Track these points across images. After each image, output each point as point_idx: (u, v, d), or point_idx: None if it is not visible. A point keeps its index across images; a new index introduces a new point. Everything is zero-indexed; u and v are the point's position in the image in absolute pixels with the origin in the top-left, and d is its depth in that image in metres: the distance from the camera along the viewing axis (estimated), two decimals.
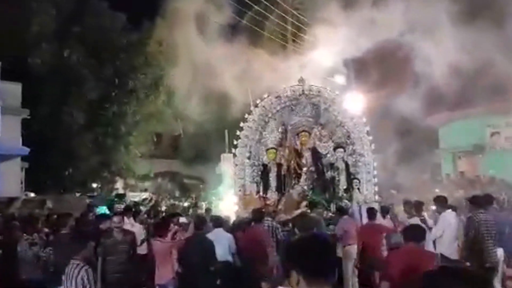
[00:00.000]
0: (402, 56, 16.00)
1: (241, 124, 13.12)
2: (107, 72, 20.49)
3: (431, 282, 2.01)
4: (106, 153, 21.31)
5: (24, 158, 16.06)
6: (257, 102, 13.27)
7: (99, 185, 22.24)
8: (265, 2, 21.49)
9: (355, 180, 12.31)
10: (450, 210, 7.90)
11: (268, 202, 12.09)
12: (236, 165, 13.16)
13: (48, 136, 18.67)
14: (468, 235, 6.89)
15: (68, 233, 7.20)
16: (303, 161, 12.66)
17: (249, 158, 13.22)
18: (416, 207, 8.37)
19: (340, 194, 12.07)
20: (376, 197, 12.68)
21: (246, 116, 13.26)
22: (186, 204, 18.27)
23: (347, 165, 12.44)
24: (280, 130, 13.02)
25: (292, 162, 12.70)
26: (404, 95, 16.39)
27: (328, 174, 12.48)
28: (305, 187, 12.33)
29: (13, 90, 15.70)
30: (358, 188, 12.26)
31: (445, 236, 7.55)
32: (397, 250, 5.23)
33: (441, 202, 7.95)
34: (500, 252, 7.37)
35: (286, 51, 21.97)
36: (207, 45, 19.91)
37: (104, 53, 20.47)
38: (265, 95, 13.19)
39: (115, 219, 6.73)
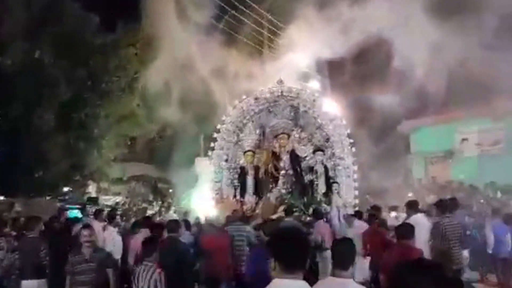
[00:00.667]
0: (378, 59, 16.15)
1: (218, 126, 12.92)
2: (79, 73, 20.10)
3: (408, 271, 2.13)
4: (78, 156, 20.88)
5: None
6: (235, 103, 13.12)
7: (71, 189, 21.78)
8: (240, 6, 21.53)
9: (334, 184, 12.07)
10: (421, 214, 8.02)
11: (245, 206, 11.90)
12: (213, 168, 12.94)
13: (19, 137, 18.19)
14: (435, 239, 7.06)
15: (35, 237, 7.01)
16: (281, 164, 12.48)
17: (226, 160, 12.99)
18: (410, 206, 8.28)
19: (318, 198, 11.84)
20: (356, 201, 12.51)
21: (223, 118, 13.04)
22: (157, 208, 18.05)
23: (326, 168, 12.23)
24: (257, 132, 12.81)
25: (270, 165, 12.53)
26: (378, 98, 16.57)
27: (307, 178, 12.25)
28: (283, 191, 12.16)
29: None
30: (338, 192, 12.01)
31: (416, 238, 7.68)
32: (391, 246, 5.74)
33: (413, 207, 8.07)
34: (465, 254, 7.60)
35: (262, 56, 22.04)
36: (183, 48, 19.78)
37: (77, 55, 20.06)
38: (243, 97, 13.07)
39: (85, 232, 5.86)
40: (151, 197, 23.29)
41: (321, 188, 12.07)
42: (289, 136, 12.66)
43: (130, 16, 21.28)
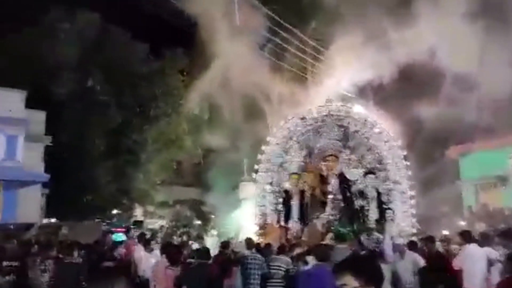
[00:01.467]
0: (424, 80, 15.67)
1: (263, 147, 12.29)
2: (128, 100, 20.86)
3: None
4: (126, 180, 21.46)
5: (45, 185, 16.26)
6: (281, 124, 12.45)
7: (119, 212, 22.35)
8: (283, 33, 21.72)
9: (388, 210, 10.90)
10: (474, 244, 7.60)
11: (289, 232, 11.21)
12: (257, 191, 12.22)
13: (70, 162, 18.94)
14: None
15: (72, 262, 7.15)
16: (329, 188, 11.56)
17: (271, 184, 12.18)
18: (464, 236, 7.78)
19: (370, 226, 10.74)
20: (413, 230, 11.11)
21: (268, 138, 12.42)
22: (195, 232, 18.07)
23: (378, 193, 11.12)
24: (304, 154, 12.01)
25: (317, 189, 11.71)
26: (425, 121, 15.98)
27: (357, 203, 11.12)
28: (331, 217, 11.18)
29: (37, 117, 16.05)
30: (392, 220, 10.76)
31: (467, 269, 7.26)
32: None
33: (467, 236, 7.65)
34: None
35: (306, 82, 22.05)
36: (230, 72, 20.02)
37: (126, 82, 20.86)
38: (290, 117, 12.29)
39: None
40: (195, 221, 23.47)
41: (373, 214, 10.99)
42: (337, 158, 11.75)
43: (179, 44, 21.98)
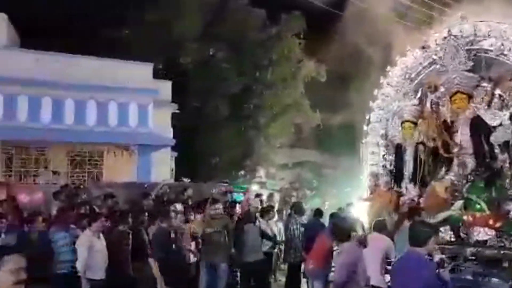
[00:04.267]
0: None
1: (375, 92, 10.21)
2: (247, 66, 21.56)
3: None
4: (248, 144, 22.48)
5: (174, 148, 17.81)
6: (396, 59, 9.90)
7: (243, 174, 23.62)
8: None
9: None
10: None
11: (402, 199, 8.92)
12: (369, 147, 10.18)
13: (195, 127, 20.43)
14: None
15: None
16: (456, 138, 8.61)
17: (382, 136, 10.03)
18: None
19: None
20: None
21: (381, 80, 10.12)
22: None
23: None
24: (420, 95, 9.33)
25: (439, 140, 8.74)
26: None
27: (500, 159, 8.00)
28: (458, 179, 8.36)
29: (164, 87, 17.45)
30: None
31: None
32: None
33: None
34: None
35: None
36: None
37: (244, 49, 21.52)
38: (408, 48, 9.70)
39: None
40: (315, 183, 23.81)
41: None
42: (469, 96, 8.47)
43: (292, 7, 21.89)
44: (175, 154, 18.22)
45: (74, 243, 7.24)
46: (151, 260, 7.21)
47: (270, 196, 14.07)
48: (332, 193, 17.47)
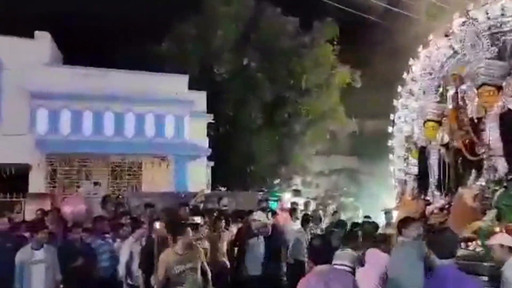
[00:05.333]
0: None
1: (399, 89, 9.47)
2: (280, 74, 21.68)
3: None
4: (283, 152, 22.54)
5: (210, 158, 18.07)
6: (418, 51, 8.97)
7: (279, 182, 23.67)
8: None
9: None
10: None
11: (428, 209, 7.79)
12: (394, 150, 9.59)
13: (231, 136, 20.68)
14: None
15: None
16: (485, 138, 7.40)
17: (407, 138, 9.20)
18: None
19: None
20: None
21: (405, 75, 9.29)
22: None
23: None
24: (440, 88, 8.37)
25: (464, 140, 7.62)
26: None
27: None
28: (489, 184, 7.15)
29: (199, 98, 17.76)
30: None
31: None
32: None
33: None
34: None
35: None
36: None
37: (278, 57, 21.67)
38: (430, 37, 8.64)
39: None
40: (352, 190, 23.62)
41: None
42: (499, 88, 7.24)
43: (325, 15, 21.92)
44: (211, 163, 18.47)
45: (113, 251, 7.57)
46: None
47: (307, 204, 14.06)
48: (368, 201, 17.35)
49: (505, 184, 6.85)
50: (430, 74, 8.66)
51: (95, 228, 8.20)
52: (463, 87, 7.90)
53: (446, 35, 8.21)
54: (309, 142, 22.97)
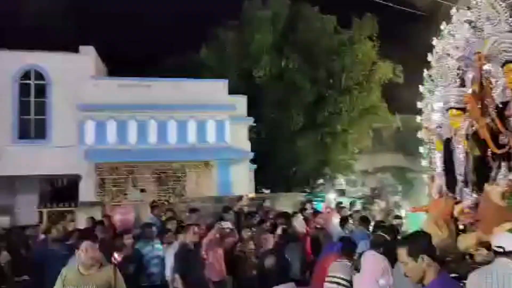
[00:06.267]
0: None
1: (424, 73, 8.80)
2: (320, 74, 21.49)
3: None
4: (326, 151, 22.31)
5: (252, 161, 18.16)
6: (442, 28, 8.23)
7: (322, 182, 23.48)
8: None
9: None
10: None
11: (457, 208, 6.94)
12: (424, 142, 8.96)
13: (272, 139, 20.67)
14: None
15: None
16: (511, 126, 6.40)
17: (437, 129, 8.25)
18: None
19: None
20: None
21: (429, 57, 8.52)
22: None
23: None
24: (459, 70, 7.34)
25: (488, 128, 6.57)
26: None
27: None
28: None
29: (240, 101, 17.92)
30: None
31: None
32: None
33: None
34: None
35: None
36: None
37: (317, 57, 21.50)
38: (453, 11, 7.96)
39: None
40: (400, 188, 23.10)
41: None
42: None
43: (363, 11, 21.59)
44: (254, 166, 18.57)
45: (161, 256, 7.75)
46: None
47: (352, 204, 13.90)
48: (415, 198, 16.86)
49: None
50: (452, 54, 7.62)
51: (145, 234, 8.40)
52: (486, 67, 6.83)
53: (469, 8, 7.34)
54: (352, 140, 22.63)
